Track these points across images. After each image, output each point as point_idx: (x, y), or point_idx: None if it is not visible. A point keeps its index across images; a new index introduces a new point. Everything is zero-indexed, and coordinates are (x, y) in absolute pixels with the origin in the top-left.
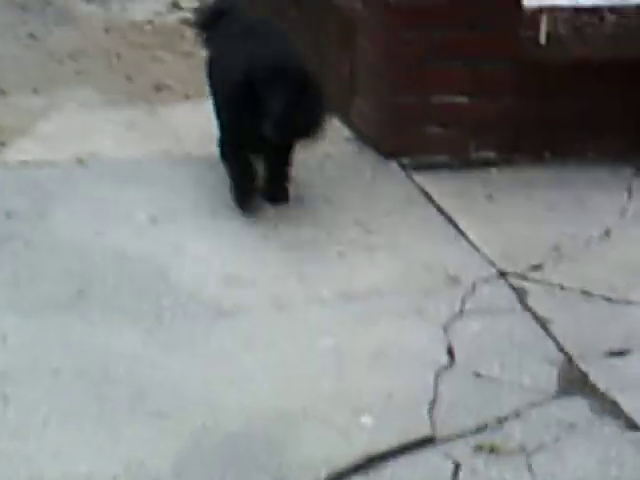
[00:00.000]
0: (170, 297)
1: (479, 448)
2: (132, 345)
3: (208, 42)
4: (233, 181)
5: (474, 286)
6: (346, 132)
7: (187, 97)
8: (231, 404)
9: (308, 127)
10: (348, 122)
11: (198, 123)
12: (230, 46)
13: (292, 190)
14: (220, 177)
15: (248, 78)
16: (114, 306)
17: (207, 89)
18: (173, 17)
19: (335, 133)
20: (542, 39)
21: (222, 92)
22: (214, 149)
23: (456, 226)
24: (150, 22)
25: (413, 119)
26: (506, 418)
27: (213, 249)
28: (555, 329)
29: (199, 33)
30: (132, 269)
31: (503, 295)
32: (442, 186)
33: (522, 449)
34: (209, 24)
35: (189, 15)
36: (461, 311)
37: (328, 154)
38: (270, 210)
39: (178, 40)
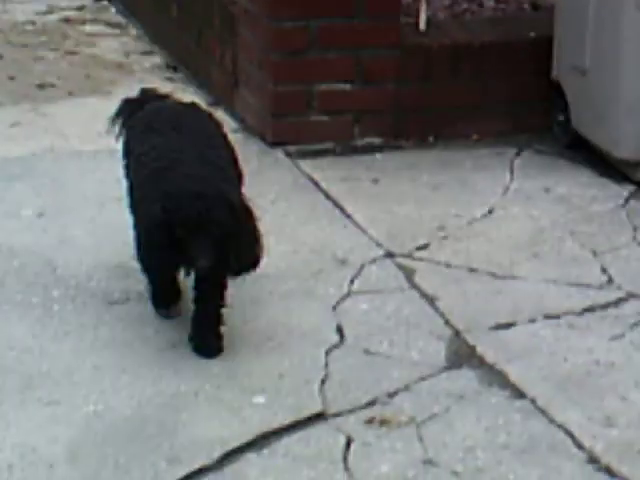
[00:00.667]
0: (59, 288)
1: (370, 422)
2: (21, 336)
3: (125, 138)
4: (152, 289)
5: (362, 267)
6: (231, 123)
7: (70, 94)
8: (122, 389)
9: (237, 266)
10: (233, 113)
11: (82, 120)
12: (147, 156)
13: None
14: (106, 171)
15: (166, 217)
16: (2, 299)
17: (90, 87)
18: (54, 17)
19: None
20: (422, 26)
21: (138, 220)
22: (99, 145)
23: (343, 210)
24: (31, 22)
25: (296, 107)
26: (396, 392)
27: (100, 240)
28: (442, 305)
29: (114, 122)
30: (20, 262)
31: (390, 274)
32: (328, 172)
33: (412, 421)
34: (125, 116)
35: (70, 14)
36: (349, 291)
37: None
38: None
39: (60, 39)
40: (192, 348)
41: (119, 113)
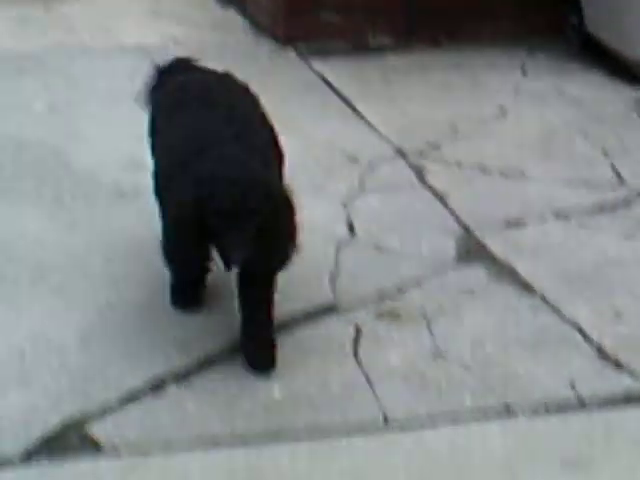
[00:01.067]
0: (70, 181)
1: (380, 315)
2: (33, 227)
3: (151, 114)
4: (173, 285)
5: (373, 164)
6: (243, 22)
7: None
8: (133, 279)
9: (275, 260)
10: (244, 12)
11: (92, 16)
12: (179, 131)
13: None
14: (116, 67)
15: (198, 202)
16: (13, 190)
17: None
18: None
19: (232, 23)
20: None
21: (166, 208)
22: (109, 41)
23: (354, 108)
24: None
25: (308, 6)
26: (406, 286)
27: (111, 135)
28: (453, 203)
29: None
30: (31, 155)
31: (401, 172)
32: (340, 71)
33: (422, 314)
34: (153, 86)
35: None
36: (361, 188)
37: (225, 43)
38: None
39: None
40: (243, 359)
41: (149, 83)
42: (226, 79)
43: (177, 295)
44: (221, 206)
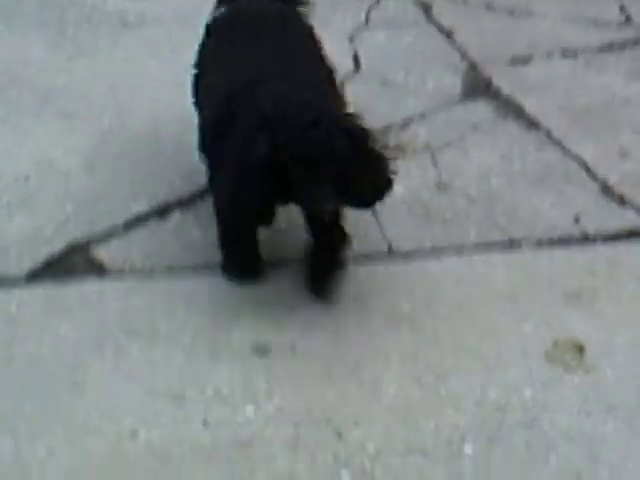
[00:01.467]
0: (74, 9)
1: (385, 148)
2: (37, 53)
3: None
4: (225, 248)
5: (380, 0)
6: None
7: None
8: (137, 107)
9: (375, 194)
10: None
11: None
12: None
13: None
14: None
15: (275, 153)
16: (18, 17)
17: None
18: None
19: None
20: None
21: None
22: None
23: None
24: None
25: None
26: (412, 120)
27: None
28: (459, 39)
29: None
30: None
31: (407, 7)
32: None
33: (428, 147)
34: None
35: None
36: (366, 23)
37: None
38: None
39: None
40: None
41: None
42: (285, 9)
43: (231, 260)
44: (304, 151)
